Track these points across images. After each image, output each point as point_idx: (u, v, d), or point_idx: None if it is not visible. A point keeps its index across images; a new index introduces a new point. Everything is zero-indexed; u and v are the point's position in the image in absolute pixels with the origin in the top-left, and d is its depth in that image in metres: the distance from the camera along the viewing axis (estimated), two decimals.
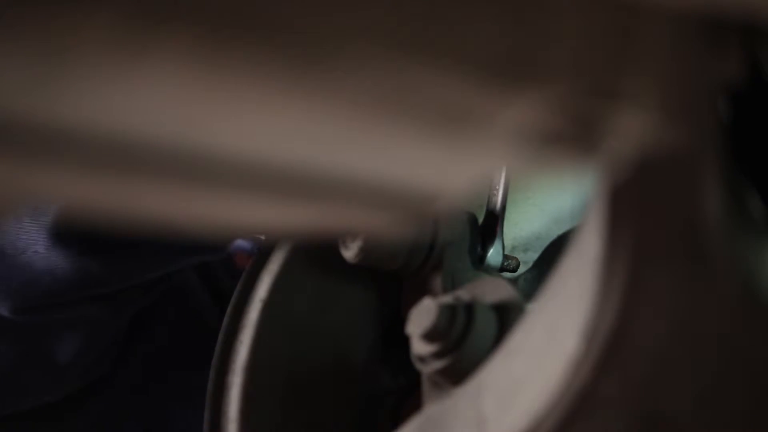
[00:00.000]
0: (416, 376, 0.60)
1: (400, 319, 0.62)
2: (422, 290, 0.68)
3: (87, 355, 0.85)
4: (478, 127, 0.28)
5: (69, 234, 0.74)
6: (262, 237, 0.79)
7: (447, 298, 0.55)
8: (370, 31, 0.24)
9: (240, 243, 1.02)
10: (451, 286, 0.67)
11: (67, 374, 0.85)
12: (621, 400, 0.41)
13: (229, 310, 0.73)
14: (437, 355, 0.53)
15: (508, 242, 0.73)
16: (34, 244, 0.74)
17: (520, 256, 0.75)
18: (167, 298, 0.90)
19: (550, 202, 0.78)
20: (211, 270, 0.96)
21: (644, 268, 0.39)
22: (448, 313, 0.54)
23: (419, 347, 0.54)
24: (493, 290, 0.56)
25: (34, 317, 0.79)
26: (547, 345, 0.43)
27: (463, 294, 0.56)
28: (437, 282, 0.68)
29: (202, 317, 0.93)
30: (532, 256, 0.76)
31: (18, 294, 0.77)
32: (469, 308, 0.54)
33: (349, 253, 0.66)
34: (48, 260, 0.74)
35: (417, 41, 0.25)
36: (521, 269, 0.74)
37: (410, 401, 0.69)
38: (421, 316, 0.54)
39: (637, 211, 0.39)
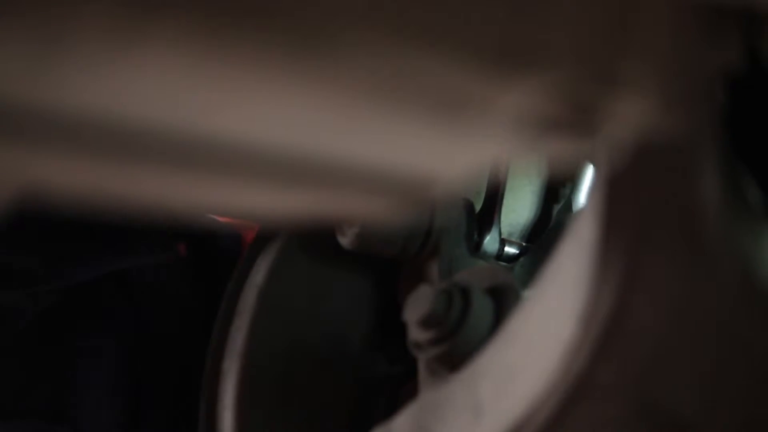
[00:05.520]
0: (413, 362, 0.60)
1: (397, 306, 0.62)
2: (419, 277, 0.68)
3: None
4: (477, 113, 0.28)
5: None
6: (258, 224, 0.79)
7: (444, 285, 0.55)
8: (370, 16, 0.24)
9: None
10: (448, 272, 0.67)
11: None
12: (618, 386, 0.41)
13: (225, 295, 0.73)
14: (434, 342, 0.53)
15: (504, 229, 0.73)
16: None
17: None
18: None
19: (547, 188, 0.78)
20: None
21: (642, 254, 0.39)
22: (445, 299, 0.54)
23: (416, 334, 0.54)
24: (490, 277, 0.56)
25: None
26: (544, 331, 0.43)
27: (460, 280, 0.56)
28: (434, 269, 0.68)
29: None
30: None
31: None
32: (466, 295, 0.54)
33: (346, 239, 0.66)
34: None
35: (416, 27, 0.25)
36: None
37: (407, 388, 0.69)
38: (418, 303, 0.54)
39: (635, 197, 0.39)
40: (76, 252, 0.80)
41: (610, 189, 0.40)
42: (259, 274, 0.72)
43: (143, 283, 0.91)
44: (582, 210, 0.42)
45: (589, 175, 0.73)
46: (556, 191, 0.77)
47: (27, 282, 0.79)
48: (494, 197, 0.72)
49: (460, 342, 0.53)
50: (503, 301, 0.54)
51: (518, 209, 0.76)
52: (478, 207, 0.72)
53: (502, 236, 0.73)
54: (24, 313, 0.84)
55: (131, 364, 0.90)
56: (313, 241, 0.73)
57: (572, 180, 0.75)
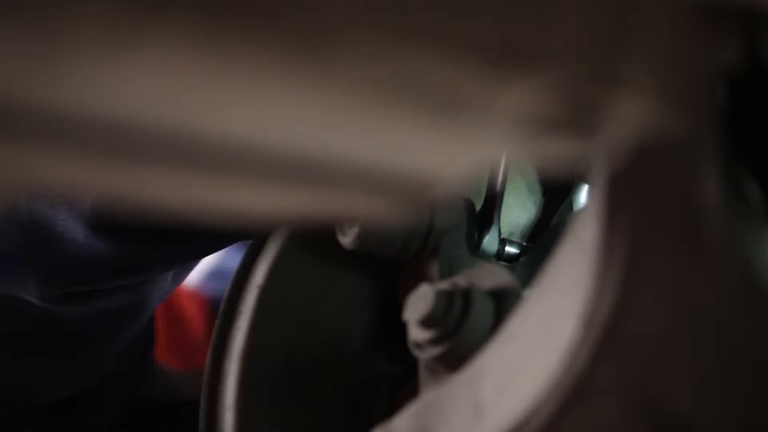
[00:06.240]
0: (413, 362, 0.60)
1: (397, 306, 0.62)
2: (419, 277, 0.68)
3: (112, 348, 0.84)
4: (476, 114, 0.28)
5: (108, 223, 0.73)
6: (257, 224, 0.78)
7: (444, 285, 0.55)
8: (370, 16, 0.24)
9: None
10: (448, 272, 0.67)
11: (90, 369, 0.84)
12: (619, 386, 0.41)
13: (225, 295, 0.73)
14: (434, 342, 0.53)
15: (505, 229, 0.73)
16: (72, 232, 0.72)
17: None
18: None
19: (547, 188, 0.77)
20: None
21: (643, 254, 0.39)
22: (445, 299, 0.53)
23: (416, 333, 0.54)
24: (491, 276, 0.56)
25: (64, 306, 0.77)
26: (545, 331, 0.43)
27: (460, 280, 0.56)
28: (434, 268, 0.68)
29: None
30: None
31: (52, 280, 0.75)
32: (466, 294, 0.54)
33: (347, 239, 0.66)
34: (85, 248, 0.73)
35: (416, 27, 0.25)
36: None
37: (407, 388, 0.69)
38: (418, 303, 0.54)
39: (635, 197, 0.39)
40: (178, 240, 0.78)
41: (611, 189, 0.40)
42: (259, 275, 0.72)
43: None
44: (582, 210, 0.42)
45: (589, 175, 0.73)
46: (556, 191, 0.77)
47: (134, 269, 0.78)
48: (494, 197, 0.72)
49: (460, 342, 0.52)
50: (504, 301, 0.54)
51: (518, 209, 0.76)
52: (478, 207, 0.72)
53: (503, 236, 0.73)
54: (131, 321, 0.84)
55: None
56: (313, 241, 0.72)
57: (573, 180, 0.75)
